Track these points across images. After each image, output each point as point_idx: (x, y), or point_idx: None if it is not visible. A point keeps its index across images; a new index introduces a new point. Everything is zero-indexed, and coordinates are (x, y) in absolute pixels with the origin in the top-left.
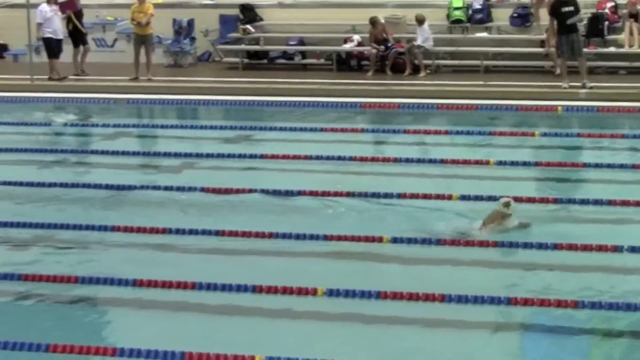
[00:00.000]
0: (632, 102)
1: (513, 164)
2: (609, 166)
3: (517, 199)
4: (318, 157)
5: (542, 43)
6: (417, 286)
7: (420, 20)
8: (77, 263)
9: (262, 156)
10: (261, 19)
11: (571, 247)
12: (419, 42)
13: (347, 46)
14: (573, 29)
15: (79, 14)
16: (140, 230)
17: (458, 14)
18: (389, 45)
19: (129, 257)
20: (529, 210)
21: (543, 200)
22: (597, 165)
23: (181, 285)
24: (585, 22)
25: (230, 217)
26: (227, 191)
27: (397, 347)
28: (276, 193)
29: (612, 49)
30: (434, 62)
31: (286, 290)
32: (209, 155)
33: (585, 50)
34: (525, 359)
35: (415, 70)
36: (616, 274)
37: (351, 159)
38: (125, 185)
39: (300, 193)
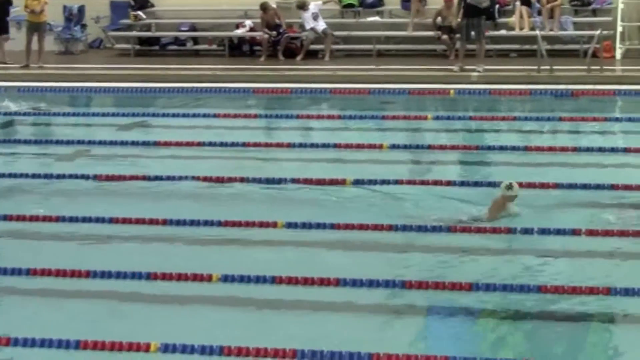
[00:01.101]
0: (523, 85)
1: (406, 147)
2: (502, 148)
3: (411, 182)
4: (211, 143)
5: (434, 25)
6: (312, 271)
7: (300, 6)
8: None
9: (155, 143)
10: (152, 5)
11: (465, 230)
12: (310, 26)
13: (239, 31)
14: (477, 13)
15: (5, 2)
16: (33, 218)
17: None
18: (281, 30)
19: (21, 246)
20: (421, 193)
21: (437, 183)
22: (490, 148)
23: (75, 274)
24: None
25: (123, 204)
26: (120, 178)
27: (292, 332)
28: (169, 179)
29: (503, 32)
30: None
31: (181, 277)
32: (101, 143)
33: None
34: (419, 342)
35: (313, 54)
36: (506, 256)
37: (244, 144)
38: (17, 173)
39: (194, 179)
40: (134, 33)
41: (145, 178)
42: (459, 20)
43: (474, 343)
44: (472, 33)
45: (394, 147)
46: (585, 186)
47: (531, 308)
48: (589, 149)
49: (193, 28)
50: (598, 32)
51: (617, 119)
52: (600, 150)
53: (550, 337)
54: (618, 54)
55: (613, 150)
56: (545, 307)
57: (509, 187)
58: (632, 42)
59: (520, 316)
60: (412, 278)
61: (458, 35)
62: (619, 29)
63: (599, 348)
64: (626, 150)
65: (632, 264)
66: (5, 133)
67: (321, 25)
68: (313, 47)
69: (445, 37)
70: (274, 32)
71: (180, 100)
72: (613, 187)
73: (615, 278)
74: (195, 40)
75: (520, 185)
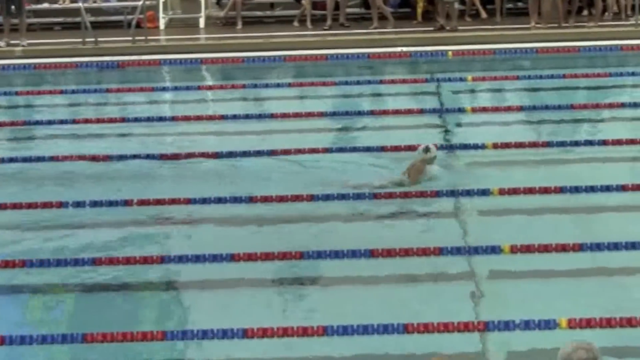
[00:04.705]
0: (69, 58)
1: None
2: (50, 123)
3: None
4: None
5: None
6: None
7: None
8: None
9: None
10: None
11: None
12: None
13: None
14: None
15: None
16: None
17: None
18: None
19: None
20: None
21: None
22: (38, 123)
23: None
24: None
25: None
26: None
27: None
28: None
29: (45, 5)
30: None
31: None
32: None
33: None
34: None
35: None
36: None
37: None
38: None
39: None
40: None
41: None
42: None
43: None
44: (13, 7)
45: None
46: (135, 156)
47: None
48: (137, 119)
49: None
50: (141, 2)
51: (164, 88)
52: (149, 119)
53: None
54: (162, 23)
55: (161, 119)
56: None
57: (427, 149)
58: (174, 12)
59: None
60: None
61: None
62: None
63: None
64: (174, 119)
65: None
66: None
67: None
68: None
69: None
70: None
71: None
72: (162, 156)
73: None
74: None
75: (71, 158)
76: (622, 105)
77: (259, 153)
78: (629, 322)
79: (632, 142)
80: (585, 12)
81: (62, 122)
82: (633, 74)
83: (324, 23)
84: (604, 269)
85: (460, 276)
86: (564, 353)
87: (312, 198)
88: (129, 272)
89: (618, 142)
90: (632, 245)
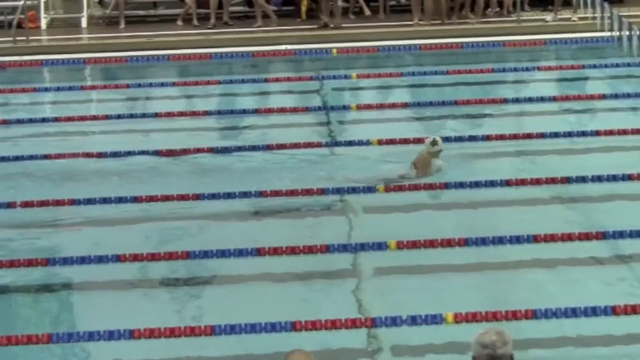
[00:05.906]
0: None
1: None
2: None
3: None
4: None
5: None
6: None
7: None
8: None
9: None
10: None
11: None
12: None
13: None
14: None
15: None
16: None
17: None
18: None
19: None
20: None
21: None
22: None
23: None
24: None
25: None
26: None
27: None
28: None
29: None
30: None
31: None
32: None
33: None
34: None
35: None
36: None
37: None
38: None
39: None
40: None
41: None
42: None
43: None
44: None
45: None
46: (17, 158)
47: None
48: (19, 121)
49: None
50: (22, 2)
51: (46, 89)
52: (32, 121)
53: None
54: (43, 23)
55: (44, 120)
56: None
57: (434, 142)
58: (56, 12)
59: None
60: None
61: None
62: None
63: None
64: (57, 119)
65: None
66: None
67: None
68: None
69: None
70: None
71: None
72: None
73: None
74: None
75: None
76: (505, 100)
77: (143, 153)
78: (514, 316)
79: (514, 137)
80: (468, 9)
81: None
82: (515, 69)
83: (207, 22)
84: (489, 264)
85: (347, 273)
86: (477, 335)
87: (198, 197)
88: (13, 274)
89: (501, 137)
90: (516, 239)
